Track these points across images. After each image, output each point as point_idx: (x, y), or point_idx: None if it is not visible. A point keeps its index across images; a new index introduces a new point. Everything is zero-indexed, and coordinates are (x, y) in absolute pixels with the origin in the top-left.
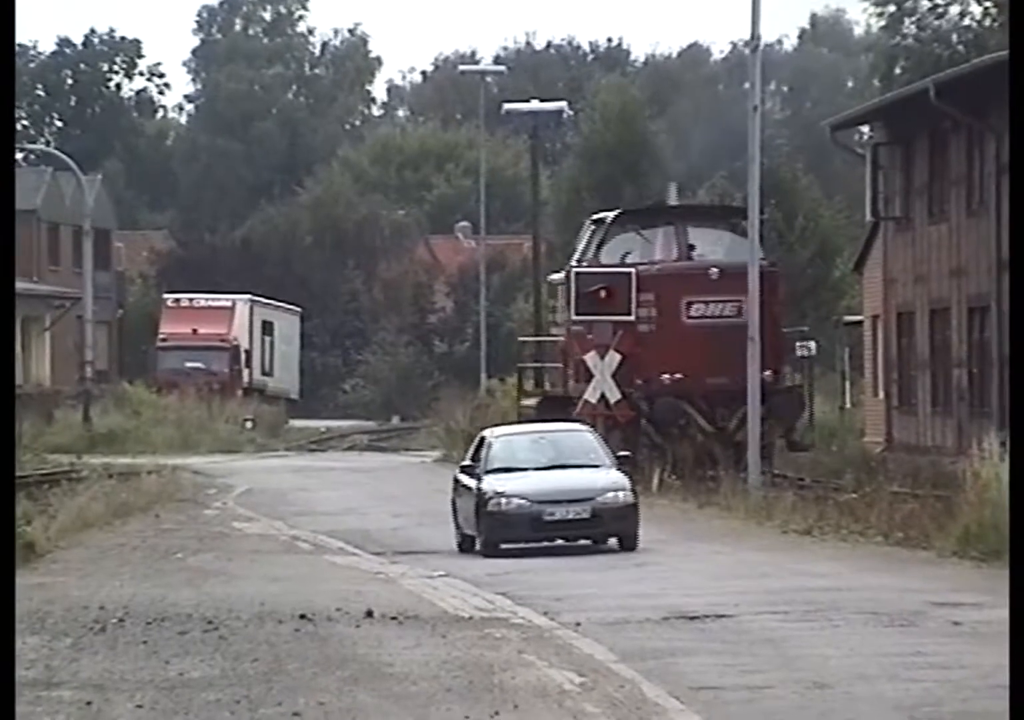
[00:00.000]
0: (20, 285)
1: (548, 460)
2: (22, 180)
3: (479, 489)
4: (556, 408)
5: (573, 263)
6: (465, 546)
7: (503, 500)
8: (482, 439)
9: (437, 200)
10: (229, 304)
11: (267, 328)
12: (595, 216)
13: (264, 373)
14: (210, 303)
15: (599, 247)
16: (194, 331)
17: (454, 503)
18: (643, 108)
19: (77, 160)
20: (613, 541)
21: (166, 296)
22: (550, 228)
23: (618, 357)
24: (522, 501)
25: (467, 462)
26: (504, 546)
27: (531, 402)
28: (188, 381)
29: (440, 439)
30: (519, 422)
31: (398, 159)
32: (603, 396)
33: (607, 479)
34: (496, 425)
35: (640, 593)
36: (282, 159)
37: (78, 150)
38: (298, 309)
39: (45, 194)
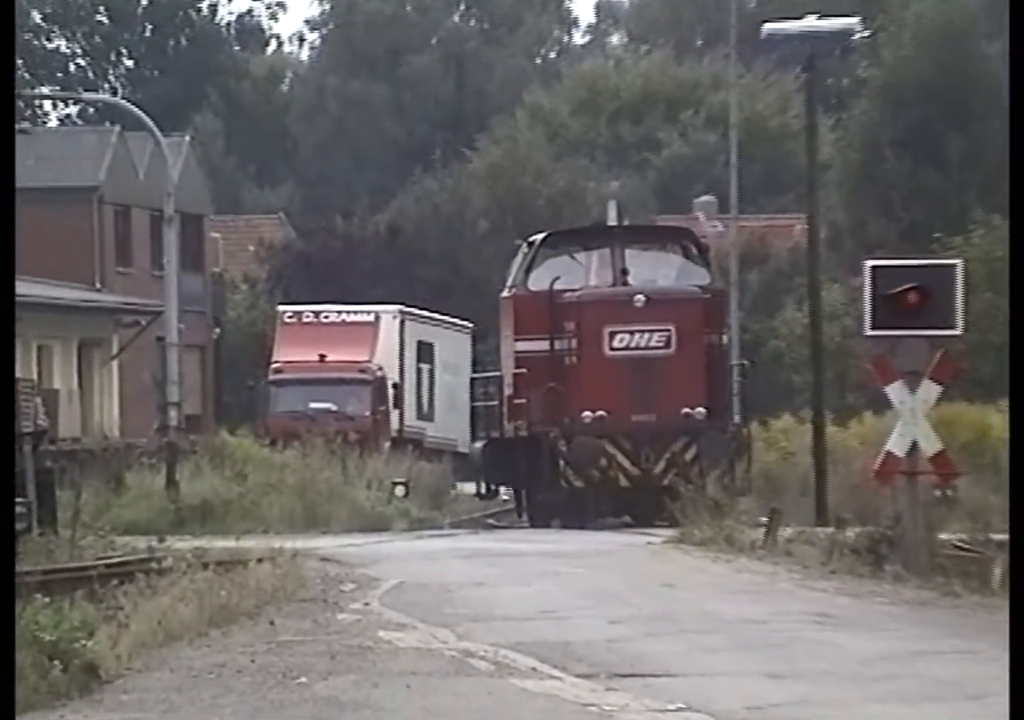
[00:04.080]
0: (76, 294)
1: None
2: (77, 144)
3: None
4: (499, 453)
5: (505, 292)
6: None
7: None
8: None
9: (667, 165)
10: (371, 319)
11: (425, 352)
12: (530, 238)
13: (421, 416)
14: (344, 318)
15: (527, 272)
16: (322, 358)
17: None
18: (976, 23)
19: (155, 115)
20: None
21: (282, 308)
22: (834, 201)
23: (936, 388)
24: None
25: None
26: None
27: (478, 446)
28: (314, 429)
29: (675, 510)
30: (478, 474)
31: (611, 106)
32: (914, 446)
33: None
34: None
35: None
36: (445, 110)
37: (156, 101)
38: (469, 325)
39: (110, 164)
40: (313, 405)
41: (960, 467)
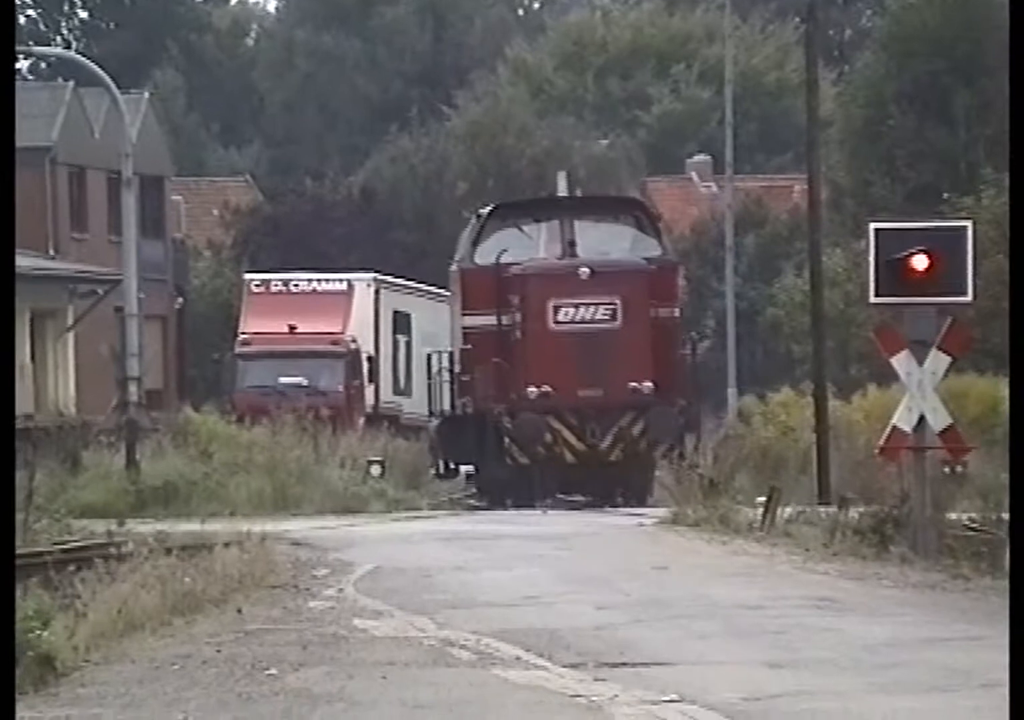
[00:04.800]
0: (28, 262)
1: None
2: (29, 102)
3: None
4: (452, 430)
5: (453, 266)
6: None
7: None
8: None
9: (658, 123)
10: (344, 288)
11: (401, 323)
12: (480, 210)
13: (398, 391)
14: (315, 287)
15: (474, 245)
16: (292, 330)
17: None
18: None
19: (111, 70)
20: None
21: (249, 277)
22: (836, 160)
23: (945, 359)
24: None
25: None
26: None
27: (435, 424)
28: (283, 405)
29: (667, 489)
30: (435, 452)
31: (598, 61)
32: (922, 420)
33: None
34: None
35: None
36: (422, 64)
37: (113, 55)
38: (448, 293)
39: (64, 123)
40: (283, 379)
41: (970, 442)
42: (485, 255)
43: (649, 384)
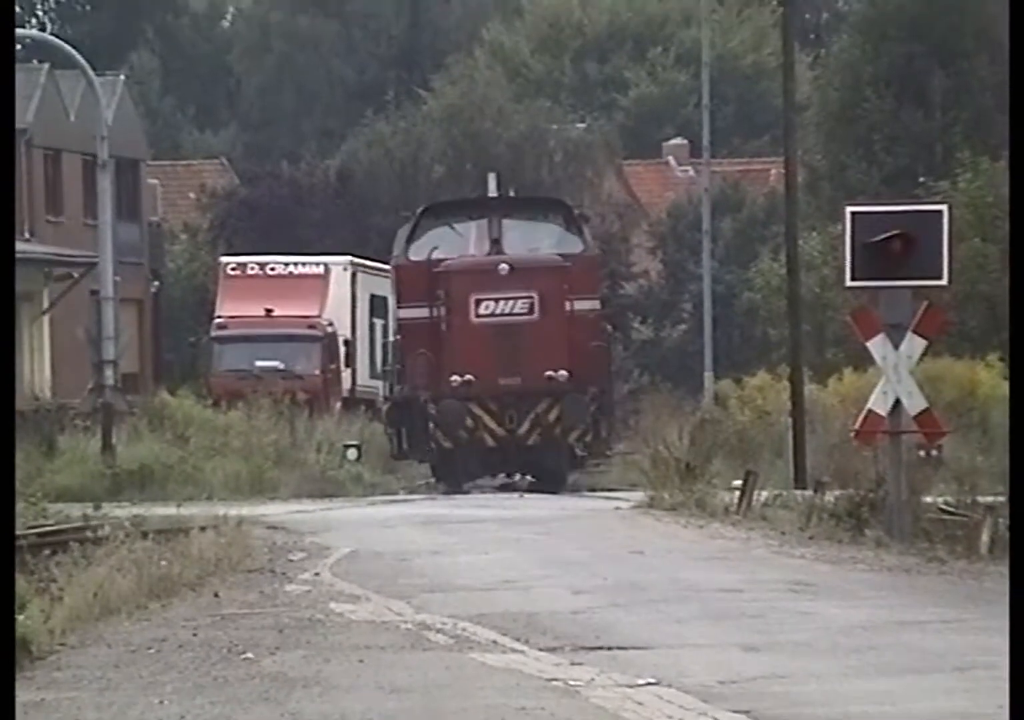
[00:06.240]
0: None
1: None
2: None
3: None
4: (401, 414)
5: (391, 262)
6: None
7: None
8: None
9: (635, 106)
10: (320, 271)
11: (378, 306)
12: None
13: (375, 375)
14: (292, 270)
15: (408, 242)
16: (268, 313)
17: None
18: None
19: (87, 52)
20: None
21: (225, 260)
22: (812, 144)
23: (921, 343)
24: None
25: None
26: None
27: (386, 408)
28: (260, 388)
29: (644, 473)
30: (388, 432)
31: (575, 44)
32: (898, 404)
33: None
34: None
35: (970, 713)
36: (399, 47)
37: (88, 37)
38: None
39: (39, 105)
40: (259, 363)
41: (946, 426)
42: (418, 251)
43: (564, 373)
